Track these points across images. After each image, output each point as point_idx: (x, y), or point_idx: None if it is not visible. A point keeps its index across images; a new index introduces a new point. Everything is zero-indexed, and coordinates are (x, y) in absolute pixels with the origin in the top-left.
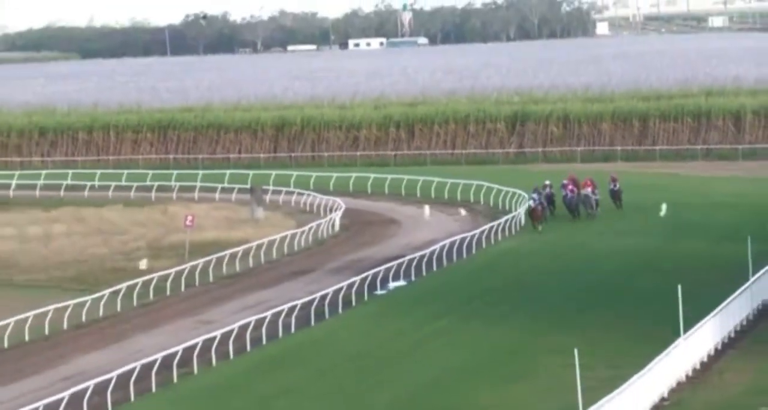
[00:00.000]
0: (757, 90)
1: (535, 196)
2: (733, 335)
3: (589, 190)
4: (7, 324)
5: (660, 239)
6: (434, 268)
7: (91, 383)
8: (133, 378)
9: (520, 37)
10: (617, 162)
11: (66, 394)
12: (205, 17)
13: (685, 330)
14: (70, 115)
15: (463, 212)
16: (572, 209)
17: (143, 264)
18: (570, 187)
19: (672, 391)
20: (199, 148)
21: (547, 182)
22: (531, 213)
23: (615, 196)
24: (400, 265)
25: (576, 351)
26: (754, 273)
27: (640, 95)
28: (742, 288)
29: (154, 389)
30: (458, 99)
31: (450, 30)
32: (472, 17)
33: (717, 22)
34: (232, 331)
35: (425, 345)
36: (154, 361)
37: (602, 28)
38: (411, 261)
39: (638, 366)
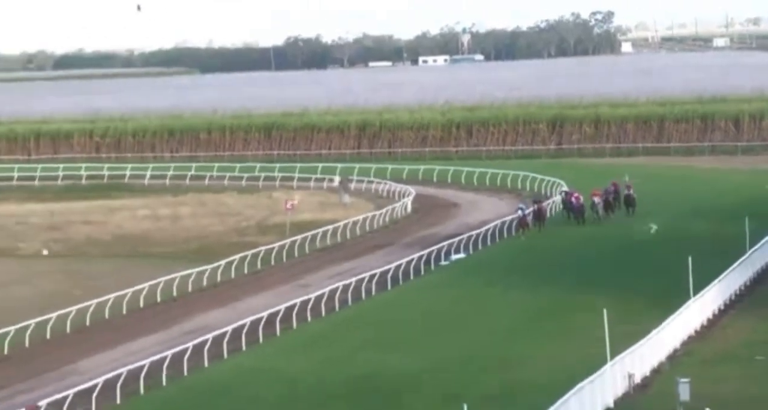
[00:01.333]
0: (752, 98)
1: (522, 206)
2: (733, 298)
3: (596, 198)
4: (143, 288)
5: (674, 220)
6: (488, 243)
7: (210, 336)
8: (244, 332)
9: (558, 54)
10: (639, 156)
11: (190, 345)
12: (139, 8)
13: (694, 294)
14: (193, 119)
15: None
16: (578, 215)
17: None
18: (575, 195)
19: (683, 343)
20: (297, 145)
21: (565, 189)
22: (519, 222)
23: (629, 202)
24: (460, 241)
25: (605, 311)
26: (750, 247)
27: (658, 102)
28: (741, 259)
29: (261, 340)
30: (508, 105)
31: (501, 48)
32: (519, 38)
33: (720, 42)
34: (324, 294)
35: (481, 307)
36: (261, 318)
37: (626, 47)
38: (469, 237)
39: (656, 323)
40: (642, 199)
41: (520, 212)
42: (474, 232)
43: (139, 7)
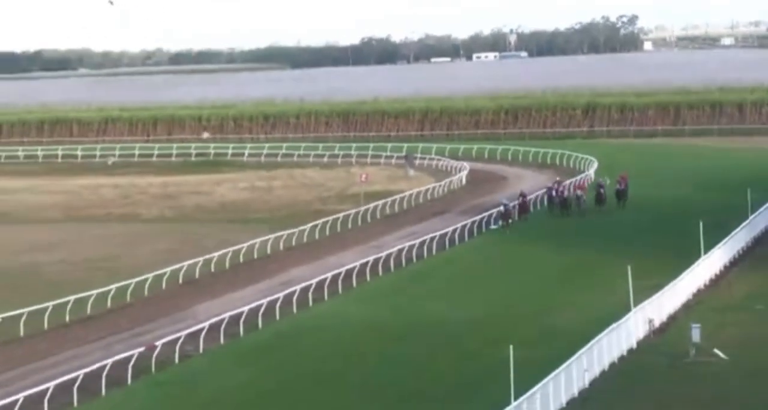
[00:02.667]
0: (754, 88)
1: (505, 201)
2: (737, 257)
3: (580, 191)
4: (242, 247)
5: (687, 191)
6: (533, 210)
7: (298, 287)
8: (326, 284)
9: (590, 51)
10: (658, 137)
11: (281, 294)
12: (111, 3)
13: (704, 253)
14: (284, 106)
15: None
16: (564, 206)
17: None
18: (560, 188)
19: (695, 295)
20: (370, 128)
21: (558, 179)
22: (503, 215)
23: (620, 195)
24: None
25: (629, 267)
26: (752, 214)
27: (674, 91)
28: (744, 224)
29: (340, 291)
30: (548, 94)
31: (542, 46)
32: (557, 38)
33: (727, 41)
34: (392, 253)
35: (523, 263)
36: (340, 273)
37: (647, 46)
38: (514, 206)
39: (672, 277)
40: (660, 172)
41: (502, 207)
42: (519, 201)
43: (111, 2)
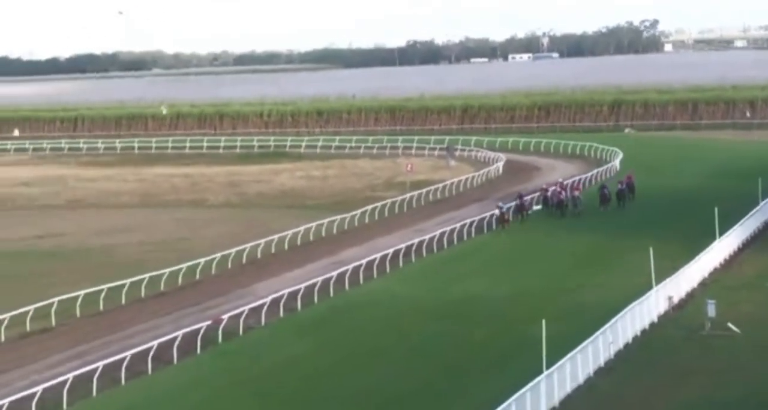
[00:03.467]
0: (765, 86)
1: (501, 204)
2: (749, 239)
3: (577, 193)
4: (299, 230)
5: (703, 180)
6: (528, 212)
7: (350, 266)
8: (375, 264)
9: (616, 52)
10: (677, 131)
11: (334, 273)
12: (121, 13)
13: (719, 236)
14: (337, 103)
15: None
16: (560, 208)
17: None
18: (558, 189)
19: (710, 274)
20: (414, 122)
21: (560, 180)
22: (499, 218)
23: (620, 195)
24: (540, 195)
25: (650, 249)
26: (762, 200)
27: (692, 89)
28: (754, 210)
29: (388, 270)
30: (577, 91)
31: (572, 48)
32: (586, 40)
33: (740, 43)
34: (435, 236)
35: (555, 244)
36: (387, 254)
37: (668, 47)
38: (510, 208)
39: (689, 258)
40: (678, 163)
41: (497, 211)
42: (551, 188)
43: (120, 12)
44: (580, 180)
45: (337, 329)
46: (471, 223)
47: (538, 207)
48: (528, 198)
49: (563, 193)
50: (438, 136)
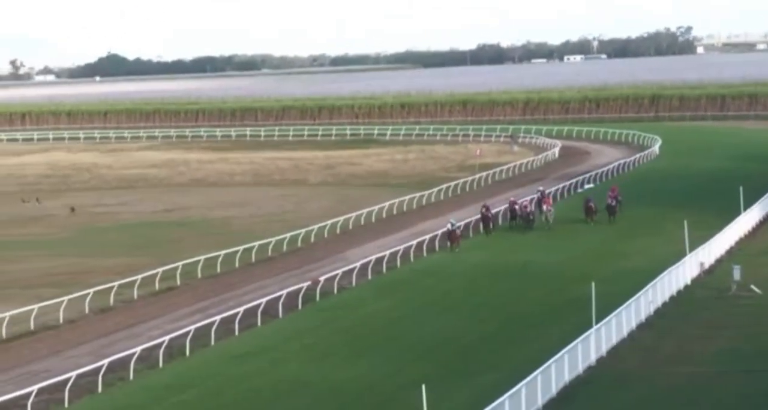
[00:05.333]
0: None
1: (453, 220)
2: None
3: (546, 206)
4: (384, 206)
5: (728, 163)
6: (609, 177)
7: (427, 236)
8: (535, 198)
9: (655, 54)
10: (708, 121)
11: (414, 242)
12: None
13: (744, 211)
14: (417, 97)
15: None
16: (528, 221)
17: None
18: (523, 203)
19: (736, 243)
20: (483, 113)
21: (540, 188)
22: (448, 236)
23: (610, 210)
24: (590, 176)
25: (685, 221)
26: None
27: (720, 85)
28: None
29: (449, 243)
30: (622, 87)
31: (619, 50)
32: (631, 43)
33: (761, 46)
34: (499, 211)
35: (606, 219)
36: (460, 225)
37: (700, 50)
38: (596, 173)
39: (718, 229)
40: (708, 148)
41: (449, 225)
42: (599, 170)
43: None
44: (550, 193)
45: (416, 288)
46: (531, 200)
47: (590, 185)
48: (494, 211)
49: (530, 206)
50: (503, 125)
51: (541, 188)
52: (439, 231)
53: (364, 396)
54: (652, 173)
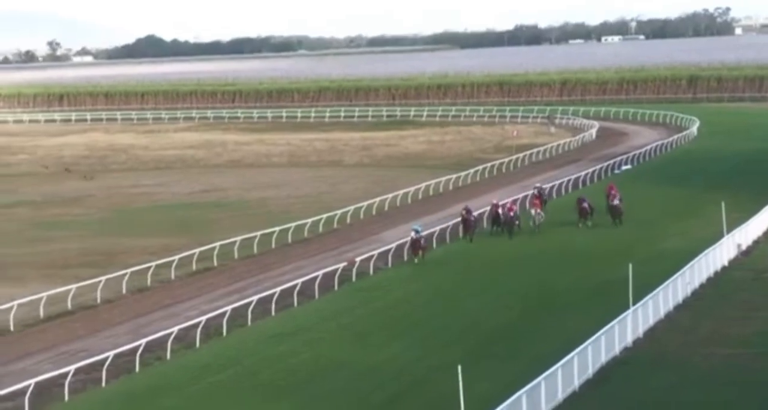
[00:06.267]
0: None
1: (417, 227)
2: None
3: (534, 209)
4: (421, 187)
5: (766, 144)
6: (646, 159)
7: (511, 199)
8: (485, 216)
9: (693, 35)
10: (745, 102)
11: (450, 223)
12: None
13: None
14: (454, 78)
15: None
16: (508, 225)
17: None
18: (510, 206)
19: None
20: (519, 94)
21: (537, 184)
22: (411, 245)
23: (613, 211)
24: (628, 157)
25: (722, 203)
26: None
27: (758, 66)
28: None
29: (485, 224)
30: (660, 68)
31: (657, 31)
32: (669, 24)
33: None
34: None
35: (643, 200)
36: (534, 189)
37: (738, 31)
38: (634, 154)
39: (755, 211)
40: (745, 129)
41: (413, 233)
42: (637, 151)
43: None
44: (545, 190)
45: (452, 270)
46: (568, 181)
47: (627, 166)
48: (476, 214)
49: (514, 209)
50: (540, 107)
51: (538, 184)
52: (476, 213)
53: (400, 377)
54: (689, 154)
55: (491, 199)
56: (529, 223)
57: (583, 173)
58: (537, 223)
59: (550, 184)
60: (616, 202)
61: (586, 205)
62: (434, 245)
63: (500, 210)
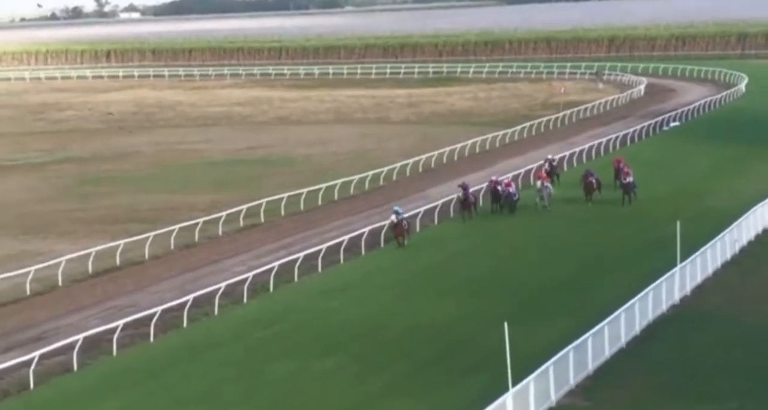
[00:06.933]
0: None
1: (398, 209)
2: None
3: (539, 182)
4: (467, 144)
5: None
6: (695, 115)
7: (509, 175)
8: (532, 171)
9: None
10: None
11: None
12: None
13: None
14: (501, 34)
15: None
16: (510, 203)
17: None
18: (507, 182)
19: None
20: (567, 51)
21: (549, 156)
22: (393, 228)
23: (627, 188)
24: (676, 114)
25: None
26: None
27: None
28: None
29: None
30: (708, 24)
31: None
32: None
33: None
34: (584, 148)
35: (689, 156)
36: (545, 161)
37: None
38: (682, 111)
39: None
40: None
41: (393, 217)
42: (686, 108)
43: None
44: (555, 161)
45: (498, 227)
46: (616, 137)
47: (675, 123)
48: (473, 190)
49: (511, 185)
50: (588, 63)
51: (549, 156)
52: (522, 170)
53: (446, 334)
54: (738, 111)
55: (545, 154)
56: (535, 199)
57: (631, 130)
58: (545, 198)
59: (598, 141)
60: (630, 179)
61: (592, 179)
62: (481, 203)
63: (499, 188)
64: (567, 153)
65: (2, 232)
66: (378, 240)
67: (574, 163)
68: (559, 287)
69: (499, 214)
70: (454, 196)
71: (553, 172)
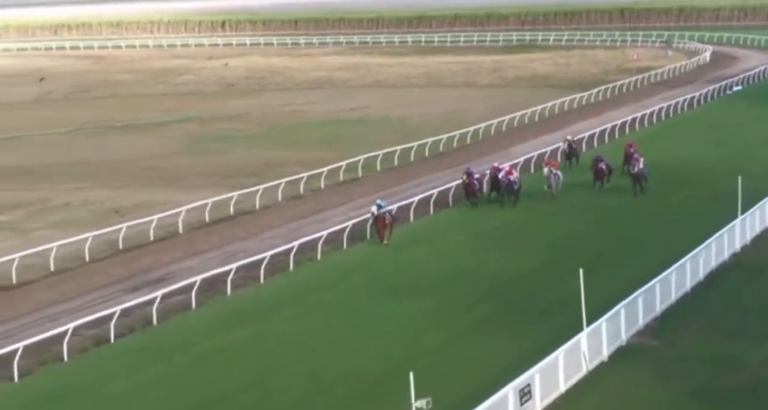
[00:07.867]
0: None
1: (380, 202)
2: None
3: (547, 168)
4: (546, 106)
5: None
6: (757, 80)
7: (586, 134)
8: (606, 132)
9: None
10: None
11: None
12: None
13: None
14: (579, 5)
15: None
16: (508, 191)
17: None
18: (508, 169)
19: None
20: (639, 20)
21: (569, 137)
22: (374, 222)
23: (636, 177)
24: (739, 79)
25: None
26: None
27: None
28: None
29: (616, 136)
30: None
31: None
32: None
33: None
34: (654, 110)
35: (752, 119)
36: (615, 124)
37: None
38: (745, 77)
39: None
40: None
41: (374, 208)
42: (748, 73)
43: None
44: (574, 142)
45: (577, 184)
46: (684, 100)
47: (738, 87)
48: (478, 176)
49: (513, 172)
50: (659, 32)
51: (569, 137)
52: (597, 130)
53: (521, 282)
54: None
55: (620, 116)
56: (543, 187)
57: (698, 93)
58: (553, 186)
59: (667, 103)
60: (639, 167)
61: (602, 165)
62: (558, 159)
63: (500, 175)
64: (639, 114)
65: (130, 184)
66: (463, 194)
67: (646, 123)
68: (627, 237)
69: (501, 203)
70: (536, 153)
71: (572, 153)
